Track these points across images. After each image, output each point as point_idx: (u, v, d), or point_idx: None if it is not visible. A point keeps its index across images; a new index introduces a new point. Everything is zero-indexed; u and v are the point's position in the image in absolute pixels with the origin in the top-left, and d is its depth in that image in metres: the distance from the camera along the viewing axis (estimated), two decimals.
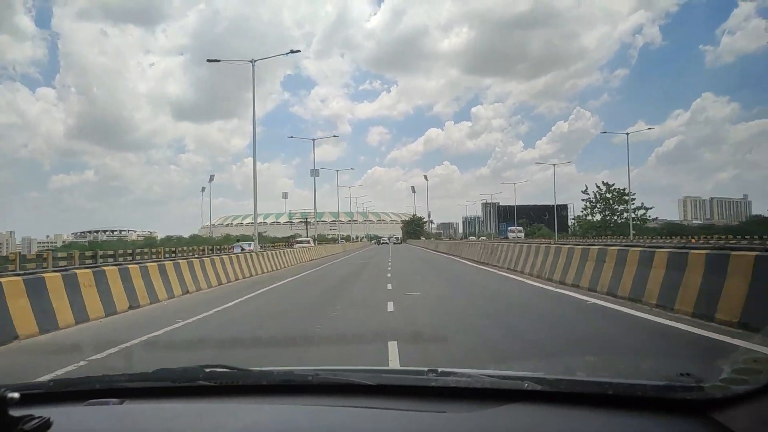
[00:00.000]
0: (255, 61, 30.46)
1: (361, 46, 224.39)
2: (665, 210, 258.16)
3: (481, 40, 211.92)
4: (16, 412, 1.08)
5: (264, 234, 79.05)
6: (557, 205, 79.70)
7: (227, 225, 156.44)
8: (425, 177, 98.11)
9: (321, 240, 78.06)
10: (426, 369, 1.50)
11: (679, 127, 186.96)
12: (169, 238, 70.52)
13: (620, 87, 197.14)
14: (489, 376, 1.44)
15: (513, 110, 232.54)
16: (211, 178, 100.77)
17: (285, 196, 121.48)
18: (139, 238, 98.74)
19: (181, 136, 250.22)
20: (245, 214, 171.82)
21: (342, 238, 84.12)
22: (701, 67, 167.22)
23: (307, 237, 54.46)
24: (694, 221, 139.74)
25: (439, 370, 1.50)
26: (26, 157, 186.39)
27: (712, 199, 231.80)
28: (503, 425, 1.21)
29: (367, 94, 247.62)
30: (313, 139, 44.99)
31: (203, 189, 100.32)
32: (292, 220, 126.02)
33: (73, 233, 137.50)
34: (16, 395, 1.09)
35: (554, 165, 71.03)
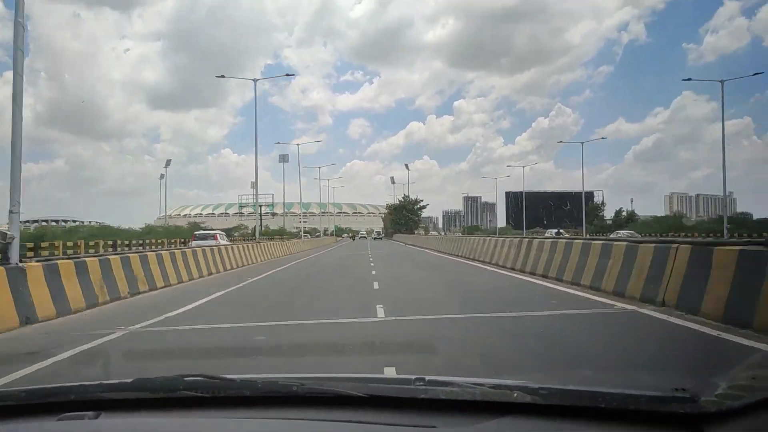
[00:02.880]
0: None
1: (345, 35, 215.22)
2: (648, 207, 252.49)
3: (466, 33, 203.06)
4: None
5: (203, 225, 61.88)
6: (584, 193, 62.92)
7: (185, 215, 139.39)
8: (406, 166, 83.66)
9: (268, 234, 62.37)
10: (413, 377, 1.40)
11: (659, 125, 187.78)
12: (72, 231, 51.70)
13: (603, 84, 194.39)
14: (479, 385, 1.35)
15: (495, 105, 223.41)
16: (168, 163, 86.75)
17: (252, 185, 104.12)
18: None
19: (156, 125, 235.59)
20: (206, 203, 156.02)
21: (305, 233, 67.46)
22: (684, 65, 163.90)
23: (214, 231, 30.01)
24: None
25: (426, 378, 1.40)
26: None
27: (698, 195, 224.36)
28: None
29: (348, 85, 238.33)
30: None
31: (162, 176, 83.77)
32: (246, 212, 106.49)
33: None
34: None
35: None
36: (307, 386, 1.40)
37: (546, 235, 37.23)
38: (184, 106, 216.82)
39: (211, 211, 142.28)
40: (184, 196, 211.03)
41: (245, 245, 21.70)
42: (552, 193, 65.52)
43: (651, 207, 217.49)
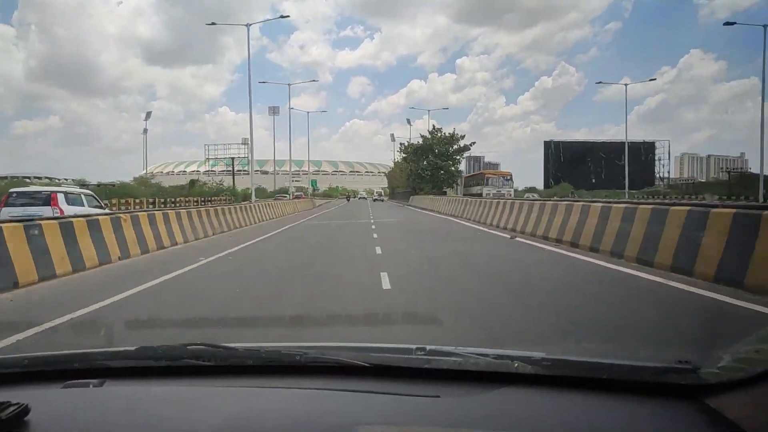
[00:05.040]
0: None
1: None
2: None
3: None
4: None
5: (153, 181, 49.61)
6: (643, 143, 49.40)
7: (168, 173, 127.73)
8: (408, 121, 66.98)
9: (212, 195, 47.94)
10: (414, 347, 1.42)
11: (664, 85, 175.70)
12: None
13: (611, 42, 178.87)
14: (482, 355, 1.35)
15: (499, 63, 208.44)
16: (148, 115, 75.89)
17: (244, 141, 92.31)
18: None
19: (152, 82, 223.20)
20: (190, 160, 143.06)
21: (283, 193, 53.03)
22: (694, 22, 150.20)
23: (54, 189, 13.08)
24: (699, 179, 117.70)
25: (428, 348, 1.42)
26: None
27: (709, 156, 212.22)
28: (498, 409, 1.18)
29: (349, 41, 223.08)
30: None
31: (145, 130, 71.73)
32: (237, 169, 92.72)
33: None
34: None
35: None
36: (310, 355, 1.39)
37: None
38: (180, 61, 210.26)
39: (196, 168, 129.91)
40: (181, 155, 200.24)
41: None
42: (603, 143, 50.96)
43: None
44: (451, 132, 53.26)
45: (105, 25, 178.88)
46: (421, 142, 53.76)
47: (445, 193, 43.14)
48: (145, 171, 75.51)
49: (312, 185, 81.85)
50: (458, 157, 52.31)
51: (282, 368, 1.40)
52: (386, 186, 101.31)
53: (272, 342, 2.18)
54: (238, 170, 74.01)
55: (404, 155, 58.16)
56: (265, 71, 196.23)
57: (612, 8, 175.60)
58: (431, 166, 51.86)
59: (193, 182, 54.96)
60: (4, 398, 1.02)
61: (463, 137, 52.67)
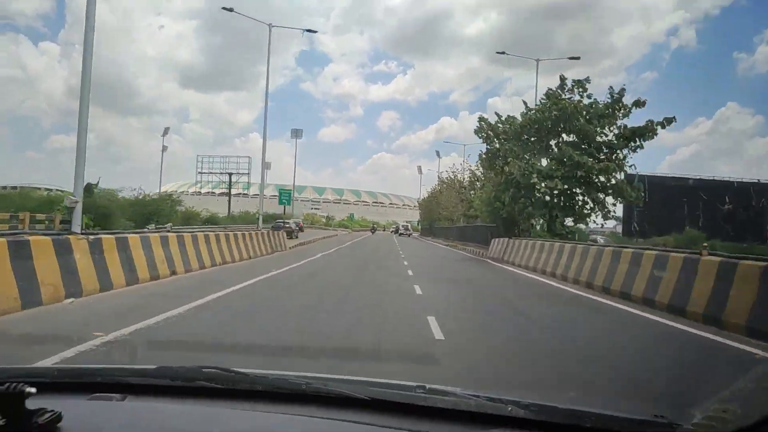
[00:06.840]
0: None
1: (382, 24, 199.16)
2: None
3: (507, 28, 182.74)
4: (29, 404, 1.09)
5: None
6: (755, 184, 38.52)
7: (182, 192, 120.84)
8: (437, 153, 54.93)
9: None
10: (415, 385, 1.49)
11: (699, 136, 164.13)
12: None
13: (645, 91, 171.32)
14: (476, 396, 1.42)
15: (531, 104, 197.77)
16: (166, 131, 67.81)
17: (268, 166, 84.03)
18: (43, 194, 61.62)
19: (186, 105, 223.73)
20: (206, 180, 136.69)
21: (283, 222, 37.60)
22: (733, 76, 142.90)
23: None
24: None
25: (427, 387, 1.48)
26: (25, 114, 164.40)
27: None
28: None
29: (382, 75, 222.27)
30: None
31: (165, 148, 64.40)
32: (251, 192, 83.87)
33: None
34: (33, 390, 1.09)
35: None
36: (314, 386, 1.46)
37: None
38: (216, 87, 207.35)
39: (210, 189, 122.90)
40: (209, 178, 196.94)
41: None
42: (705, 181, 40.22)
43: None
44: (611, 90, 21.50)
45: (146, 49, 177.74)
46: (528, 113, 23.78)
47: (564, 236, 20.15)
48: (159, 189, 67.70)
49: (284, 202, 56.57)
50: (632, 147, 21.12)
51: (288, 395, 1.45)
52: (413, 219, 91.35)
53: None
54: (238, 193, 64.14)
55: (486, 139, 25.13)
56: (299, 100, 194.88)
57: (649, 57, 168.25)
58: (571, 167, 20.50)
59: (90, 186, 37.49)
60: (39, 405, 1.09)
61: (644, 104, 21.79)
